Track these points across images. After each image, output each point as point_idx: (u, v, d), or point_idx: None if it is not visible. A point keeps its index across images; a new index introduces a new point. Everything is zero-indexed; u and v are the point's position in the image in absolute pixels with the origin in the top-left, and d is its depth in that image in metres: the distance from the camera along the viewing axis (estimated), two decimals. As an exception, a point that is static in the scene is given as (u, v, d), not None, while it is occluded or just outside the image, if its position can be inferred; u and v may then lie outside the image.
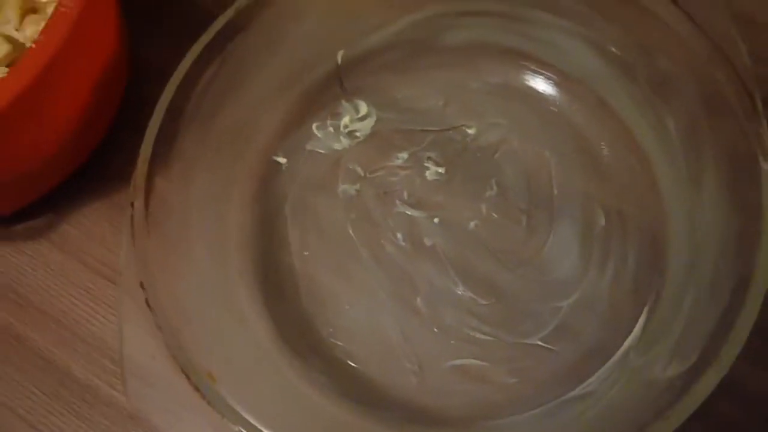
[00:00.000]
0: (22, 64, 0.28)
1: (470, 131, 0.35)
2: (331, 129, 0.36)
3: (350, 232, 0.34)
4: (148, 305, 0.25)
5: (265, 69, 0.34)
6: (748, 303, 0.24)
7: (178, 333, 0.25)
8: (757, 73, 0.28)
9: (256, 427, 0.24)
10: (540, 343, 0.30)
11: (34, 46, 0.29)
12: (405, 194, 0.34)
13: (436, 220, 0.34)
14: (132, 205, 0.27)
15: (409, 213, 0.34)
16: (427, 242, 0.33)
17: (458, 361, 0.31)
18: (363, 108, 0.36)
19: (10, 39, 0.32)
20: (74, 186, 0.36)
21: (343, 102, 0.36)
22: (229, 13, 0.31)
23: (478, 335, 0.31)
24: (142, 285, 0.26)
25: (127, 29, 0.36)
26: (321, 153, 0.36)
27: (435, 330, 0.31)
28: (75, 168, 0.36)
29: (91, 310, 0.34)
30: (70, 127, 0.33)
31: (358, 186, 0.35)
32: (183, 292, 0.28)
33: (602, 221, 0.32)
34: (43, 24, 0.29)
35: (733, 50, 0.29)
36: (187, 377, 0.24)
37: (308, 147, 0.36)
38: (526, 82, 0.35)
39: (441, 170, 0.35)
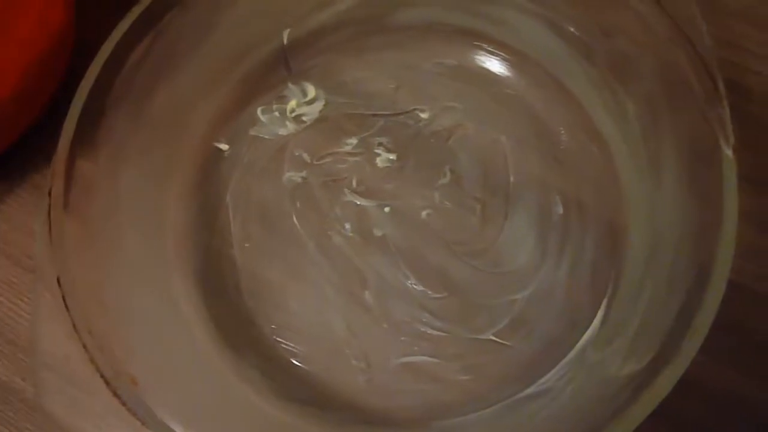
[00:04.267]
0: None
1: (423, 116, 0.34)
2: (276, 113, 0.34)
3: (295, 222, 0.32)
4: (65, 304, 0.23)
5: (204, 47, 0.32)
6: (709, 296, 0.23)
7: (98, 334, 0.23)
8: (719, 56, 0.27)
9: (181, 436, 0.22)
10: (494, 338, 0.29)
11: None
12: (354, 182, 0.33)
13: (386, 209, 0.32)
14: (49, 193, 0.25)
15: (358, 202, 0.32)
16: (377, 233, 0.31)
17: (408, 359, 0.29)
18: (310, 91, 0.35)
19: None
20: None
21: (290, 84, 0.35)
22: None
23: (429, 331, 0.29)
24: (58, 281, 0.24)
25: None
26: (265, 138, 0.34)
27: (384, 326, 0.30)
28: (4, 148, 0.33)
29: (15, 306, 0.32)
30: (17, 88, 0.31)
31: (304, 173, 0.33)
32: (109, 287, 0.26)
33: (560, 210, 0.31)
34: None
35: (694, 31, 0.27)
36: (105, 381, 0.22)
37: (252, 132, 0.34)
38: (482, 64, 0.34)
39: (392, 157, 0.33)
